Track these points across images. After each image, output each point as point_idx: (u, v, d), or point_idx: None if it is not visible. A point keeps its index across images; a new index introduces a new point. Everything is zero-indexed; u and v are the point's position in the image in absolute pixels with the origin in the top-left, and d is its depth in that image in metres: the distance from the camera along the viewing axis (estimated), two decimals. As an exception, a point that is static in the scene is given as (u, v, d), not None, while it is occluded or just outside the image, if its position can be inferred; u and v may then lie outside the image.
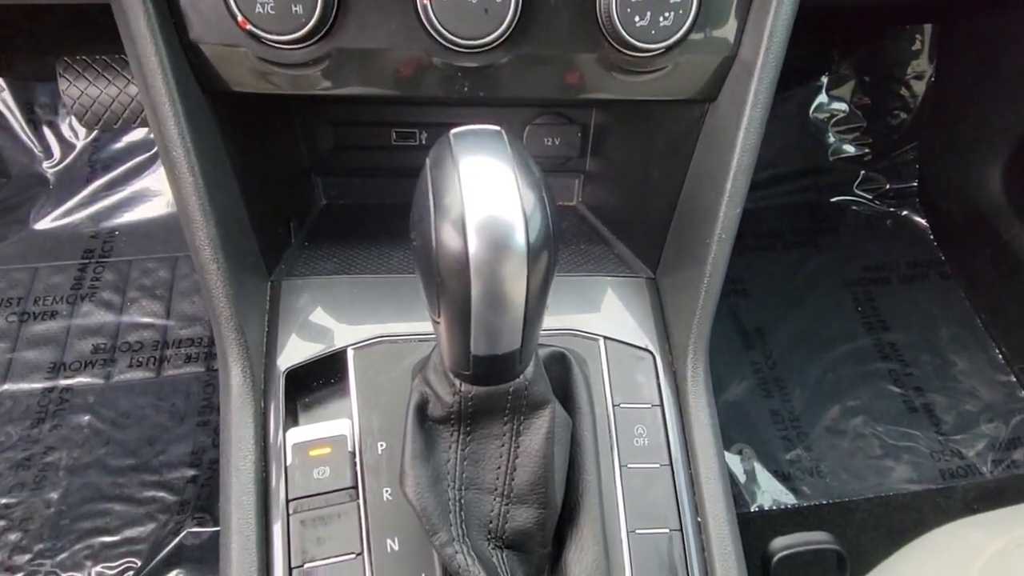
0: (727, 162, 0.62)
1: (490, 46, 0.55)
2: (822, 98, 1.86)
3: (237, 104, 0.62)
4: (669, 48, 0.58)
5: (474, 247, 0.41)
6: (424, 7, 0.54)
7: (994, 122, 1.64)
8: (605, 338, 0.66)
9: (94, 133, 1.68)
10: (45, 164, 1.66)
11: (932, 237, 1.80)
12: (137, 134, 1.68)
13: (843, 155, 1.87)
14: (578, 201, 0.93)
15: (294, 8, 0.52)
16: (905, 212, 1.85)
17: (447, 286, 0.42)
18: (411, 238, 0.45)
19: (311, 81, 0.58)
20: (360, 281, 0.69)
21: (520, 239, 0.41)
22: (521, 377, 0.50)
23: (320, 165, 0.86)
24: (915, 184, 1.84)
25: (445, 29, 0.54)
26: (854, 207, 1.87)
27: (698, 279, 0.65)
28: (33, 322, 1.50)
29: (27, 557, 1.23)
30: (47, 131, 1.67)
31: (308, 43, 0.54)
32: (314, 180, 0.87)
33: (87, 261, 1.58)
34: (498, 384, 0.49)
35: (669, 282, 0.71)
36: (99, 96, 1.45)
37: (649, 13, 0.55)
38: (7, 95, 1.63)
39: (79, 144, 1.67)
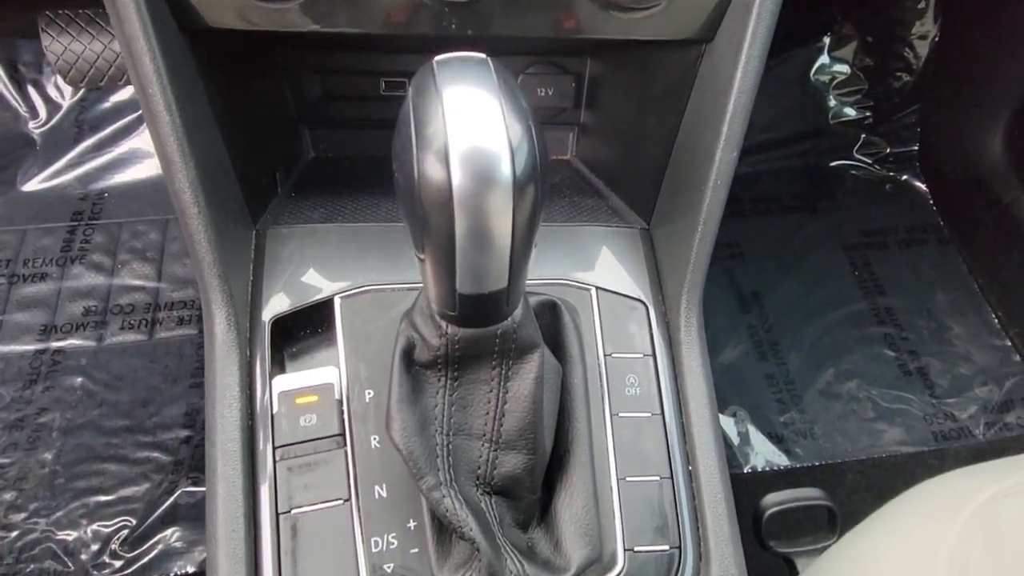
0: (723, 104, 0.60)
1: None
2: (823, 60, 1.83)
3: (218, 45, 0.60)
4: None
5: (458, 179, 0.39)
6: None
7: (998, 83, 1.62)
8: (597, 288, 0.65)
9: (80, 92, 1.65)
10: (31, 124, 1.62)
11: (932, 201, 1.79)
12: (124, 93, 1.65)
13: (843, 118, 1.85)
14: (572, 155, 0.91)
15: None
16: (905, 176, 1.83)
17: (430, 221, 0.41)
18: (393, 170, 0.43)
19: (290, 18, 0.56)
20: (348, 230, 0.67)
21: (506, 170, 0.40)
22: (509, 319, 0.49)
23: (307, 116, 0.84)
24: (916, 148, 1.82)
25: None
26: (853, 171, 1.85)
27: (693, 227, 0.63)
28: (23, 284, 1.48)
29: (22, 516, 1.23)
30: (32, 90, 1.63)
31: None
32: (302, 131, 0.85)
33: (76, 223, 1.56)
34: (485, 326, 0.48)
35: (663, 232, 0.69)
36: (83, 52, 1.41)
37: None
38: (-6, 60, 1.59)
39: (65, 104, 1.63)
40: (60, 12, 1.39)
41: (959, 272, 1.69)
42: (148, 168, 1.64)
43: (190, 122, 0.56)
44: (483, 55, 0.43)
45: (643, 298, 0.66)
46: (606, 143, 0.83)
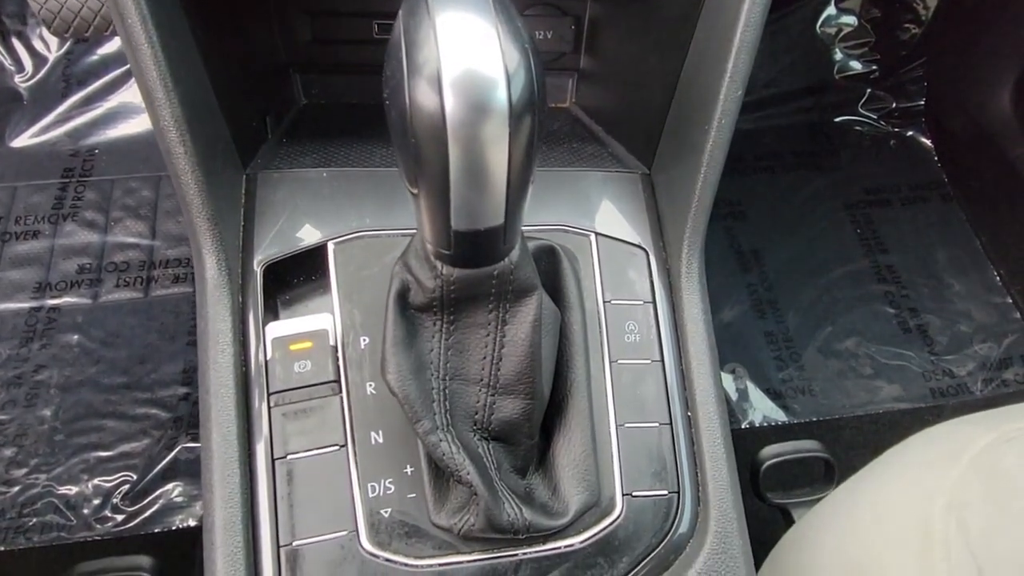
0: (729, 39, 0.57)
1: None
2: (830, 11, 1.78)
3: None
4: None
5: (451, 106, 0.38)
6: None
7: (1008, 36, 1.58)
8: (597, 234, 0.64)
9: (67, 45, 1.60)
10: (17, 79, 1.58)
11: (936, 158, 1.76)
12: (112, 46, 1.60)
13: (849, 72, 1.81)
14: (571, 102, 0.88)
15: None
16: (910, 132, 1.80)
17: (423, 151, 0.39)
18: (384, 98, 0.41)
19: None
20: (341, 175, 0.65)
21: (502, 97, 0.38)
22: (506, 260, 0.48)
23: (298, 60, 0.81)
24: (922, 103, 1.79)
25: None
26: (858, 127, 1.81)
27: (696, 169, 0.62)
28: (15, 242, 1.46)
29: (23, 471, 1.24)
30: (17, 43, 1.59)
31: None
32: (293, 77, 0.82)
33: (67, 180, 1.54)
34: (481, 266, 0.47)
35: (665, 176, 0.68)
36: (67, 1, 1.37)
37: None
38: (-31, 8, 1.54)
39: (52, 57, 1.59)
40: (43, -42, 1.34)
41: (962, 229, 1.68)
42: (139, 124, 1.61)
43: (174, 58, 0.54)
44: None
45: (643, 244, 0.65)
46: (607, 88, 0.81)
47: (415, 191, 0.43)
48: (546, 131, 0.41)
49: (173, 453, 1.26)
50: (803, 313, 1.51)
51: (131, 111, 1.61)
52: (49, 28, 1.45)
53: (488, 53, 0.38)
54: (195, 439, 1.29)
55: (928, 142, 1.78)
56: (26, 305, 1.40)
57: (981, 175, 1.65)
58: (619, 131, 0.77)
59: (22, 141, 1.57)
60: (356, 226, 0.62)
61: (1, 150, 1.56)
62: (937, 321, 1.53)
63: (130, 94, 1.61)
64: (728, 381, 1.39)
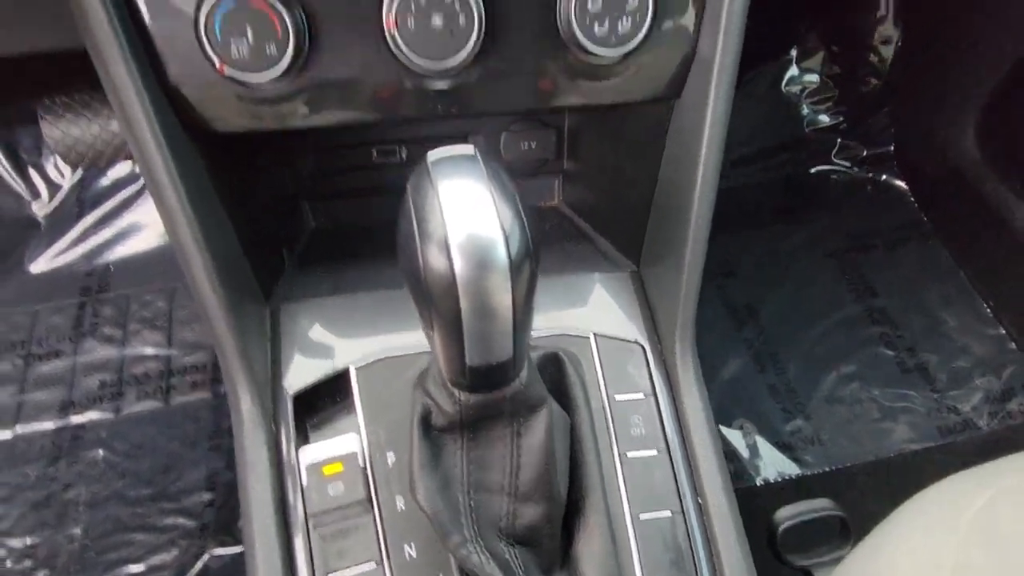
0: (695, 155, 0.64)
1: (458, 66, 0.58)
2: (793, 71, 1.89)
3: (220, 140, 0.64)
4: (629, 52, 0.60)
5: (459, 267, 0.43)
6: (392, 35, 0.56)
7: (963, 80, 1.67)
8: (595, 335, 0.69)
9: (80, 171, 1.70)
10: (34, 206, 1.67)
11: (912, 199, 1.83)
12: (122, 168, 1.70)
13: (818, 126, 1.90)
14: (559, 200, 0.95)
15: (268, 49, 0.54)
16: (884, 176, 1.88)
17: (438, 304, 0.45)
18: (399, 261, 0.47)
19: (289, 115, 0.60)
20: (356, 300, 0.71)
21: (502, 254, 0.44)
22: (517, 381, 0.53)
23: (306, 190, 0.89)
24: (891, 148, 1.87)
25: (414, 53, 0.57)
26: (833, 176, 1.90)
27: (679, 269, 0.67)
28: (38, 363, 1.52)
29: (56, 594, 1.26)
30: (33, 173, 1.68)
31: (283, 79, 0.56)
32: (302, 205, 0.89)
33: (85, 299, 1.60)
34: (495, 390, 0.52)
35: (652, 273, 0.73)
36: (81, 135, 1.46)
37: (607, 20, 0.57)
38: (-4, 148, 1.64)
39: (66, 184, 1.68)
40: (57, 98, 1.44)
41: (946, 265, 1.73)
42: (149, 238, 1.69)
43: (202, 215, 0.61)
44: (471, 149, 0.47)
45: (640, 340, 0.70)
46: (590, 189, 0.88)
47: (432, 334, 0.48)
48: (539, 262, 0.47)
49: (202, 561, 1.28)
50: (803, 363, 1.55)
51: (141, 227, 1.69)
52: (65, 160, 1.55)
53: (487, 218, 0.44)
54: (223, 545, 1.31)
55: (903, 184, 1.86)
56: (51, 425, 1.44)
57: (957, 212, 1.72)
58: (606, 229, 0.83)
59: (40, 266, 1.65)
60: (376, 349, 0.67)
61: (21, 276, 1.63)
62: (935, 358, 1.57)
63: (140, 212, 1.70)
64: (737, 438, 1.42)
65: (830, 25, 1.84)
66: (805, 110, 1.91)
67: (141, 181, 1.70)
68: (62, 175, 1.70)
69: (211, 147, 0.64)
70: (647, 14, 0.58)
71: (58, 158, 1.66)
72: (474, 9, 0.55)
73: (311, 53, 0.56)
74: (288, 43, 0.54)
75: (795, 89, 1.90)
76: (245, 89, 0.57)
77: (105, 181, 1.69)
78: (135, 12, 0.54)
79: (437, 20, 0.55)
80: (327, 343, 0.68)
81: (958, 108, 1.71)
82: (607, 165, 0.82)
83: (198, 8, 0.53)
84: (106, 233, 1.68)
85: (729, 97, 0.64)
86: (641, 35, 0.59)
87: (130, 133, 0.57)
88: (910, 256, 1.74)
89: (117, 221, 1.69)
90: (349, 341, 0.68)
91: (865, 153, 1.89)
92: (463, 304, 0.44)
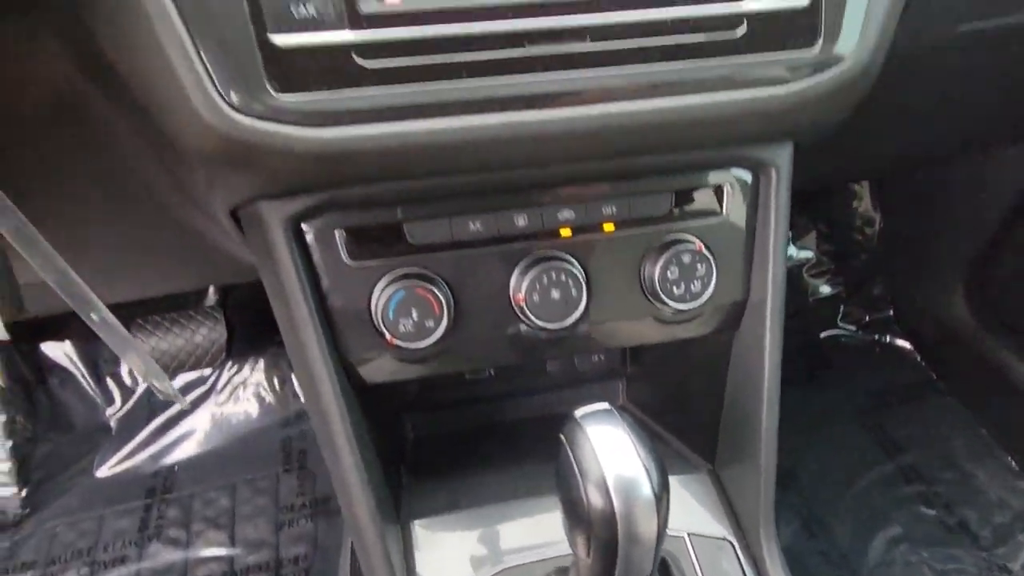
0: (758, 377, 0.78)
1: (571, 325, 0.73)
2: (791, 250, 2.12)
3: (370, 387, 0.78)
4: (700, 305, 0.76)
5: (617, 503, 0.55)
6: (520, 307, 0.72)
7: (945, 254, 1.88)
8: (689, 534, 0.79)
9: (152, 377, 1.83)
10: (108, 411, 1.79)
11: (920, 359, 1.98)
12: (189, 375, 1.84)
13: (821, 295, 2.09)
14: (624, 400, 1.08)
15: (427, 324, 0.70)
16: (889, 338, 2.04)
17: (597, 534, 0.56)
18: (560, 499, 0.59)
19: (432, 367, 0.75)
20: (474, 515, 0.81)
21: (648, 491, 0.56)
22: None
23: (407, 404, 1.02)
24: (891, 313, 2.05)
25: (537, 318, 0.72)
26: (843, 339, 2.06)
27: (756, 469, 0.79)
28: (104, 571, 1.55)
29: None
30: (109, 381, 1.82)
31: (435, 344, 0.71)
32: (404, 419, 1.02)
33: (151, 500, 1.67)
34: None
35: (729, 474, 0.85)
36: (168, 347, 1.62)
37: (682, 283, 0.74)
38: (72, 352, 1.79)
39: (139, 389, 1.81)
40: (150, 317, 1.61)
41: (965, 419, 1.83)
42: (213, 438, 1.79)
43: (363, 452, 0.73)
44: (607, 405, 0.61)
45: (727, 536, 0.80)
46: (655, 393, 1.01)
47: (587, 558, 0.59)
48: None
49: None
50: (849, 527, 1.59)
51: (206, 427, 1.80)
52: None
53: (633, 461, 0.56)
54: None
55: (908, 345, 2.01)
56: (115, 637, 1.45)
57: (962, 371, 1.86)
58: (677, 430, 0.95)
59: (107, 470, 1.73)
60: (499, 561, 0.77)
61: (89, 482, 1.70)
62: (974, 514, 1.62)
63: (205, 413, 1.81)
64: (805, 611, 1.43)
65: (816, 208, 2.10)
66: (807, 281, 2.11)
67: (207, 384, 1.83)
68: (135, 380, 1.83)
69: (362, 393, 0.77)
70: (712, 276, 0.75)
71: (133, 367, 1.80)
72: (582, 283, 0.72)
73: (457, 323, 0.72)
74: (443, 319, 0.70)
75: (793, 265, 2.12)
76: (403, 352, 0.72)
77: (176, 383, 1.82)
78: (323, 299, 0.70)
79: (555, 294, 0.71)
80: (455, 560, 0.77)
81: (946, 275, 1.90)
82: (672, 377, 0.96)
83: (376, 298, 0.69)
84: (172, 435, 1.78)
85: (782, 326, 0.79)
86: (709, 292, 0.75)
87: (311, 388, 0.70)
88: (929, 412, 1.85)
89: (183, 423, 1.79)
90: (474, 556, 0.77)
91: (868, 318, 2.06)
92: (620, 532, 0.55)
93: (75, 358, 1.81)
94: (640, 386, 1.05)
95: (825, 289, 2.10)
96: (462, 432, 1.02)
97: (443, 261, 0.70)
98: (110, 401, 1.80)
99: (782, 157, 0.74)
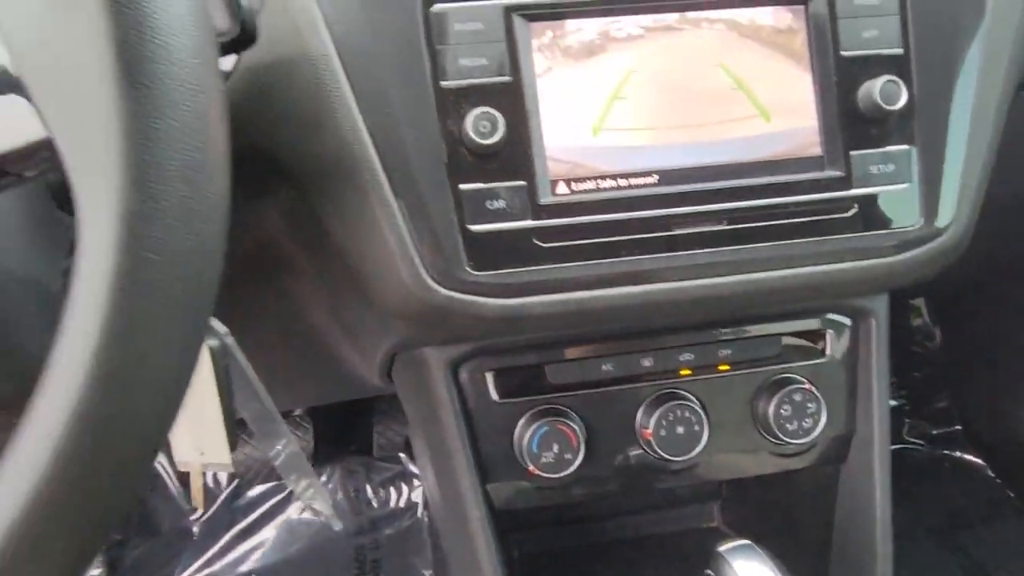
0: (869, 507, 0.83)
1: (694, 457, 0.80)
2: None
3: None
4: (811, 439, 0.83)
5: None
6: (647, 442, 0.80)
7: (1011, 368, 1.89)
8: (811, 664, 0.81)
9: (235, 481, 1.90)
10: (192, 517, 1.85)
11: (993, 476, 1.95)
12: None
13: (886, 408, 2.10)
14: (719, 522, 1.12)
15: (566, 456, 0.77)
16: (958, 453, 2.02)
17: None
18: None
19: (563, 496, 0.81)
20: None
21: None
22: None
23: (515, 525, 1.07)
24: (959, 427, 2.04)
25: (663, 451, 0.79)
26: (913, 452, 2.04)
27: None
28: None
29: None
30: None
31: (571, 475, 0.78)
32: (509, 537, 1.06)
33: (229, 609, 1.69)
34: None
35: (843, 603, 0.87)
36: (259, 456, 1.70)
37: (795, 420, 0.81)
38: (164, 460, 1.88)
39: (222, 495, 1.87)
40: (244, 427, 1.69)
41: (1051, 540, 1.78)
42: (289, 545, 1.83)
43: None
44: (748, 540, 0.66)
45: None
46: (755, 520, 1.05)
47: None
48: None
49: None
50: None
51: (283, 536, 1.84)
52: (234, 475, 1.75)
53: None
54: None
55: (980, 461, 1.98)
56: None
57: (1042, 489, 1.82)
58: (780, 556, 0.98)
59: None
60: None
61: (171, 589, 1.74)
62: (1073, 647, 1.55)
63: (283, 521, 1.86)
64: None
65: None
66: (869, 393, 2.12)
67: (285, 492, 1.88)
68: (219, 485, 1.89)
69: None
70: (822, 413, 0.82)
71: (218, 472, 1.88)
72: (704, 419, 0.79)
73: (589, 454, 0.79)
74: (579, 452, 0.77)
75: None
76: (542, 481, 0.79)
77: (255, 492, 1.88)
78: (473, 433, 0.78)
79: (679, 429, 0.79)
80: None
81: (1019, 389, 1.90)
82: (774, 503, 1.00)
83: (519, 433, 0.77)
84: (251, 542, 1.82)
85: (888, 458, 0.84)
86: (820, 428, 0.82)
87: (455, 515, 0.77)
88: (1011, 531, 1.80)
89: (262, 529, 1.84)
90: None
91: (935, 432, 2.05)
92: None
93: (163, 460, 1.89)
94: (737, 509, 1.08)
95: (891, 403, 2.11)
96: (561, 551, 1.06)
97: (578, 398, 0.79)
98: (194, 508, 1.86)
99: (880, 305, 0.83)
